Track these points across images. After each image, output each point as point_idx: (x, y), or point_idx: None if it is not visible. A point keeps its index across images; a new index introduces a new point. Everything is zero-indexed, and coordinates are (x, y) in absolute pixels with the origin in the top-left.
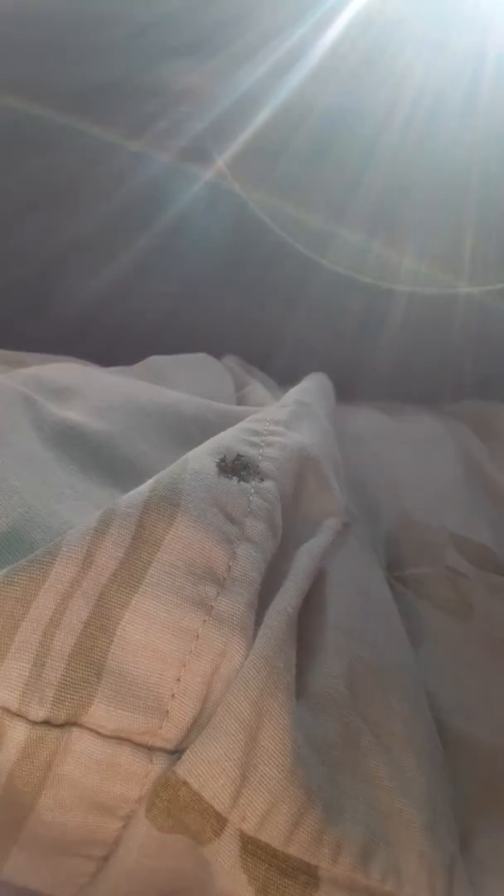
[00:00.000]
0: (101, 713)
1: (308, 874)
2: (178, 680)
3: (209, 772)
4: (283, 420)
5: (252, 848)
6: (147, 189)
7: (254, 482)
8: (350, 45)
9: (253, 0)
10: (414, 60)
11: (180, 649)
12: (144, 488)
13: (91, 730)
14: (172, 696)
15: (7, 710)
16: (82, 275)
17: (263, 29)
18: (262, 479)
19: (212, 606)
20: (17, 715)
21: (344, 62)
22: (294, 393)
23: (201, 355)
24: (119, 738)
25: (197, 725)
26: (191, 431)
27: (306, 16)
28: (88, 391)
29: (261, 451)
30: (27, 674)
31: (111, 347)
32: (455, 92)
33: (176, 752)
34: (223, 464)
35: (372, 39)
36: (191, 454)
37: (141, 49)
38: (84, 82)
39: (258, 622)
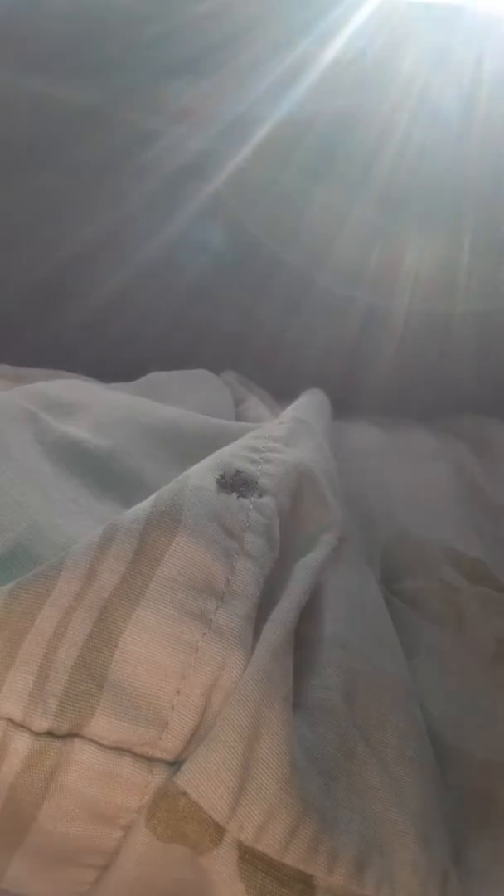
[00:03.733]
0: (103, 725)
1: (304, 883)
2: (178, 692)
3: (208, 782)
4: (282, 436)
5: (249, 857)
6: (145, 207)
7: (252, 498)
8: (349, 63)
9: (253, 18)
10: (411, 79)
11: (180, 662)
12: (146, 504)
13: (93, 741)
14: (172, 708)
15: (11, 722)
16: (81, 292)
17: (261, 48)
18: (261, 495)
19: (211, 620)
20: (21, 726)
21: (342, 81)
22: (292, 409)
23: (200, 371)
24: (120, 750)
25: (196, 737)
26: (191, 447)
27: (304, 34)
28: (90, 407)
29: (259, 467)
30: (31, 686)
31: (111, 363)
32: (454, 111)
33: (175, 764)
34: (223, 480)
35: (370, 59)
36: (191, 470)
37: (139, 68)
38: (83, 101)
39: (256, 635)
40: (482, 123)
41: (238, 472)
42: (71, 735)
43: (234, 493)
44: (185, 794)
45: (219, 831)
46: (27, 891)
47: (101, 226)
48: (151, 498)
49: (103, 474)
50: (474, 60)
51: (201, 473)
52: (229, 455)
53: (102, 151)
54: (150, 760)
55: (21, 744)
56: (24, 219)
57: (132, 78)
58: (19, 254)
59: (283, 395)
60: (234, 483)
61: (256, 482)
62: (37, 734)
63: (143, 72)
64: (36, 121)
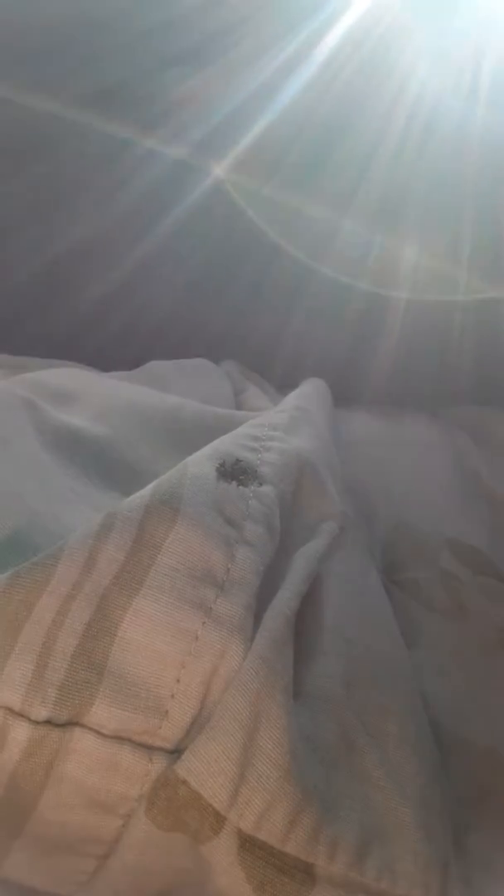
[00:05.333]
0: (103, 713)
1: (305, 872)
2: (178, 681)
3: (208, 771)
4: (282, 425)
5: (250, 846)
6: (147, 194)
7: (252, 486)
8: (349, 52)
9: (252, 7)
10: (412, 69)
11: (180, 650)
12: (145, 492)
13: (92, 730)
14: (172, 696)
15: (10, 710)
16: (83, 280)
17: (263, 36)
18: (261, 484)
19: (211, 608)
20: (20, 715)
21: (343, 69)
22: (292, 398)
23: (200, 360)
24: (119, 738)
25: (196, 725)
26: (190, 436)
27: (306, 23)
28: (89, 396)
29: (260, 455)
30: (30, 674)
31: (111, 352)
32: (453, 101)
33: (175, 752)
34: (222, 468)
35: (371, 47)
36: (190, 459)
37: (140, 56)
38: (85, 88)
39: (256, 624)
40: (483, 110)
41: (238, 461)
42: (70, 724)
43: (233, 482)
44: (185, 782)
45: (219, 820)
46: (27, 880)
47: (102, 215)
48: (150, 486)
49: (102, 463)
50: (474, 49)
51: (201, 462)
52: (229, 443)
53: (104, 140)
54: (149, 749)
55: (20, 732)
56: (24, 210)
57: (131, 67)
58: (19, 245)
59: (283, 384)
60: (234, 471)
61: (256, 471)
62: (36, 723)
63: (143, 62)
64: (36, 108)
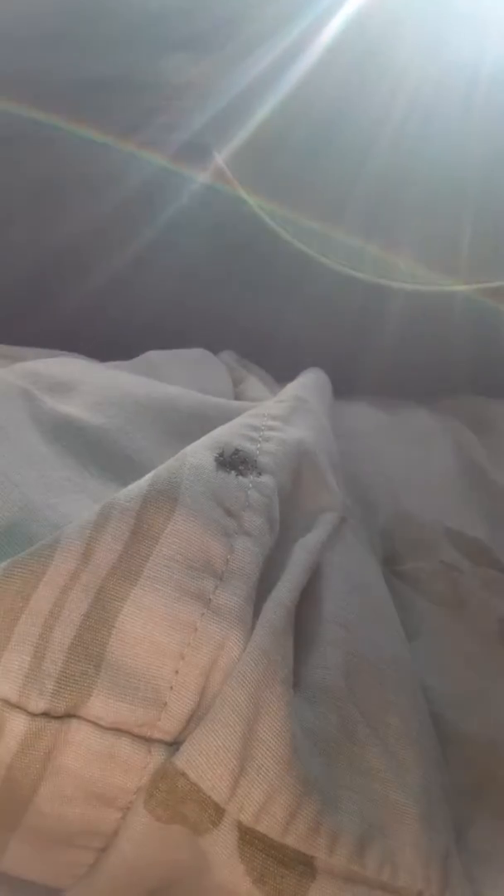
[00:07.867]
0: (100, 705)
1: (305, 864)
2: (177, 672)
3: (207, 763)
4: (281, 415)
5: (249, 838)
6: (145, 185)
7: (251, 476)
8: (349, 42)
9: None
10: (412, 58)
11: (179, 642)
12: (143, 482)
13: (90, 721)
14: (171, 688)
15: (7, 702)
16: (81, 271)
17: (262, 25)
18: (260, 474)
19: (210, 599)
20: (17, 707)
21: (343, 59)
22: (291, 388)
23: (198, 350)
24: (118, 730)
25: (195, 717)
26: (189, 426)
27: (305, 12)
28: (87, 386)
29: (259, 445)
30: (27, 666)
31: (109, 343)
32: (452, 91)
33: (174, 744)
34: (221, 458)
35: (371, 37)
36: (189, 449)
37: (140, 44)
38: (83, 77)
39: (256, 615)
40: (481, 106)
41: (237, 451)
42: (68, 716)
43: (232, 472)
44: (184, 774)
45: (218, 812)
46: (25, 873)
47: (100, 206)
48: (148, 476)
49: (100, 453)
50: (473, 45)
51: (199, 452)
52: (228, 433)
53: (101, 130)
54: (148, 741)
55: (17, 725)
56: (21, 202)
57: (135, 52)
58: (17, 236)
59: (282, 375)
60: (233, 461)
61: (255, 461)
62: (33, 715)
63: (146, 47)
64: (34, 100)
